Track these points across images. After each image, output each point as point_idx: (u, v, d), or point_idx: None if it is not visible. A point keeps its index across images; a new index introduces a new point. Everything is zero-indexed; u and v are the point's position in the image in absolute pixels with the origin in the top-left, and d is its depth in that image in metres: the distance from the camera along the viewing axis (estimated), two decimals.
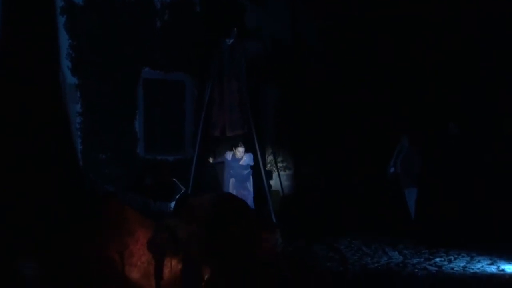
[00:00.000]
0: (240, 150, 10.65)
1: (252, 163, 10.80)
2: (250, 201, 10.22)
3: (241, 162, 10.65)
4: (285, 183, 12.51)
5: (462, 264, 8.38)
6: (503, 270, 8.01)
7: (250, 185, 10.74)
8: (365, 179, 11.83)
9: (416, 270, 8.10)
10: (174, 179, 9.32)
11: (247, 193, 10.52)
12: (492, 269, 8.10)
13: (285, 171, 12.92)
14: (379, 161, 11.12)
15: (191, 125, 12.00)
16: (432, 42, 10.89)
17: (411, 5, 10.79)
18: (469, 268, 8.14)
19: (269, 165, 12.33)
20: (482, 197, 9.89)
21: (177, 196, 8.86)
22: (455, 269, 8.15)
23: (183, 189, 9.30)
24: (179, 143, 12.02)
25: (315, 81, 12.58)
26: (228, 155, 10.76)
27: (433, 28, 10.80)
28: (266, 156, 12.25)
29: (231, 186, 10.59)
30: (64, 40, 10.06)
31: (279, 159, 12.74)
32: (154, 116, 11.75)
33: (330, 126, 12.50)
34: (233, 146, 10.74)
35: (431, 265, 8.41)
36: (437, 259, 8.73)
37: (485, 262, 8.46)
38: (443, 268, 8.22)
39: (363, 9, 11.54)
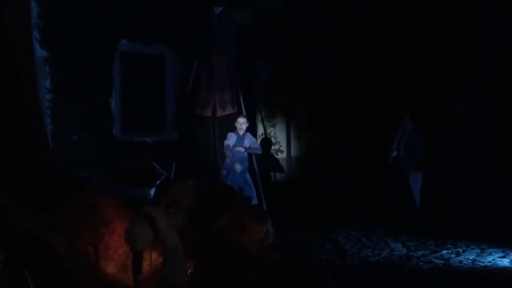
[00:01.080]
0: (240, 121, 10.30)
1: (255, 146, 10.57)
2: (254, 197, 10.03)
3: (245, 143, 10.28)
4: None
5: (471, 257, 8.44)
6: None
7: (249, 177, 10.38)
8: (366, 163, 11.97)
9: (421, 263, 8.16)
10: (155, 163, 9.34)
11: (248, 188, 10.17)
12: (505, 262, 8.16)
13: (277, 154, 12.98)
14: (380, 144, 11.23)
15: (173, 104, 12.00)
16: (432, 42, 11.42)
17: (411, 5, 11.34)
18: (479, 262, 8.20)
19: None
20: (492, 185, 10.23)
21: (158, 182, 8.92)
22: (463, 262, 8.21)
23: (164, 174, 9.32)
24: (160, 123, 12.00)
25: (312, 56, 12.71)
26: (231, 137, 10.27)
27: (433, 28, 11.35)
28: (257, 137, 12.28)
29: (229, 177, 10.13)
30: (32, 8, 9.95)
31: (271, 140, 12.80)
32: (132, 94, 11.67)
33: (326, 101, 12.64)
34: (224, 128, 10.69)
35: (437, 258, 8.47)
36: (444, 252, 8.79)
37: (497, 255, 8.52)
38: (451, 261, 8.28)
39: (363, 9, 12.07)
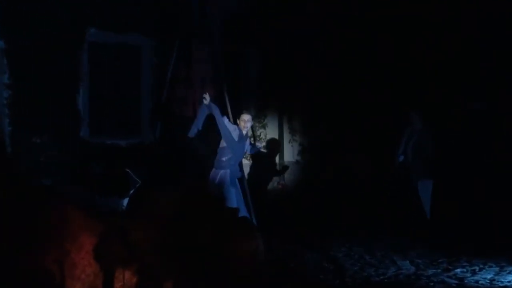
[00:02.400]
0: (245, 119, 9.63)
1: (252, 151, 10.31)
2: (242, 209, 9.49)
3: (246, 144, 9.82)
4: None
5: (489, 276, 8.44)
6: None
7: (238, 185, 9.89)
8: (368, 168, 12.17)
9: (432, 283, 8.15)
10: (128, 170, 9.37)
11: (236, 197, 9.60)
12: None
13: (268, 158, 12.98)
14: (383, 147, 11.43)
15: (150, 101, 11.99)
16: (432, 42, 12.03)
17: (411, 5, 11.92)
18: (497, 281, 8.20)
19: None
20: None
21: (132, 191, 8.87)
22: (480, 282, 8.21)
23: (139, 182, 9.35)
24: (135, 123, 12.01)
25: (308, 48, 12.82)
26: (234, 132, 9.59)
27: (433, 28, 11.99)
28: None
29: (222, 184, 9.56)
30: None
31: (262, 142, 12.77)
32: (102, 90, 11.68)
33: (325, 100, 12.82)
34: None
35: (450, 277, 8.46)
36: (458, 270, 8.79)
37: None
38: (465, 281, 8.27)
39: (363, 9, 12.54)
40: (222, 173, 9.41)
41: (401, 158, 10.76)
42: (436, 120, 11.38)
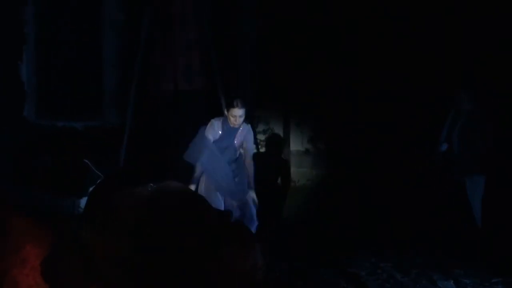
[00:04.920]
0: (235, 113, 9.38)
1: (250, 146, 9.82)
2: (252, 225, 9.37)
3: (236, 141, 9.53)
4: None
5: None
6: None
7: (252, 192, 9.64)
8: (399, 160, 12.15)
9: None
10: (87, 160, 9.43)
11: (244, 209, 9.48)
12: None
13: (268, 148, 13.07)
14: (419, 135, 11.49)
15: (115, 73, 12.00)
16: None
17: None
18: None
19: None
20: None
21: (91, 189, 8.89)
22: None
23: (101, 177, 9.41)
24: (95, 101, 12.04)
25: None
26: (216, 127, 9.44)
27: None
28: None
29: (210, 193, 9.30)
30: None
31: (261, 127, 12.89)
32: (53, 56, 11.72)
33: (342, 78, 12.85)
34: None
35: None
36: None
37: None
38: None
39: None
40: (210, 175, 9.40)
41: (444, 147, 10.68)
42: (492, 99, 11.22)
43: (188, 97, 11.13)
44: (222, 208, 9.18)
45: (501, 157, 10.68)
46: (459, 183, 10.60)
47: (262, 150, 12.91)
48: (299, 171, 13.24)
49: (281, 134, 13.20)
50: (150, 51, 11.25)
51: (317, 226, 11.50)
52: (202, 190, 9.23)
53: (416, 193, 11.65)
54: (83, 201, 8.71)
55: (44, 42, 11.53)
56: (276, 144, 13.10)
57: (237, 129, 9.41)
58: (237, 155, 9.56)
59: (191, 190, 8.66)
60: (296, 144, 13.28)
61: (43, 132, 11.12)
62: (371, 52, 12.75)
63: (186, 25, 11.18)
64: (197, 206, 6.66)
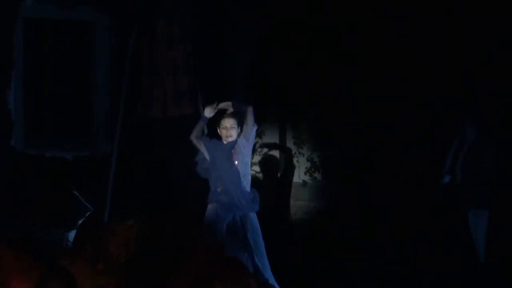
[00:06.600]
0: (226, 124, 8.90)
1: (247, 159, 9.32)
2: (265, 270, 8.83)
3: (235, 157, 8.92)
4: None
5: None
6: None
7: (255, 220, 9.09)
8: (398, 159, 12.34)
9: None
10: (76, 192, 9.45)
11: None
12: None
13: (265, 172, 13.14)
14: (422, 132, 11.77)
15: (107, 100, 11.97)
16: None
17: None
18: None
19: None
20: None
21: (81, 221, 9.12)
22: None
23: (90, 209, 9.45)
24: (85, 130, 12.06)
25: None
26: (210, 138, 9.04)
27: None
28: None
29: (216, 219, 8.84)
30: None
31: (257, 149, 12.90)
32: (42, 83, 11.71)
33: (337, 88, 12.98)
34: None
35: None
36: None
37: None
38: None
39: None
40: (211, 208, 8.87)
41: (447, 179, 10.59)
42: (498, 127, 11.29)
43: (178, 122, 10.96)
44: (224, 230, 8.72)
45: (505, 190, 10.65)
46: (462, 216, 10.51)
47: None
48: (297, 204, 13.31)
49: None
50: (138, 74, 11.19)
51: (318, 261, 11.38)
52: (206, 216, 8.82)
53: (416, 193, 11.79)
54: (72, 234, 8.83)
55: (33, 68, 11.58)
56: (272, 176, 13.20)
57: (232, 144, 8.92)
58: (239, 172, 8.95)
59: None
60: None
61: (30, 163, 11.09)
62: (371, 52, 12.97)
63: (174, 46, 11.11)
64: (189, 238, 6.65)
